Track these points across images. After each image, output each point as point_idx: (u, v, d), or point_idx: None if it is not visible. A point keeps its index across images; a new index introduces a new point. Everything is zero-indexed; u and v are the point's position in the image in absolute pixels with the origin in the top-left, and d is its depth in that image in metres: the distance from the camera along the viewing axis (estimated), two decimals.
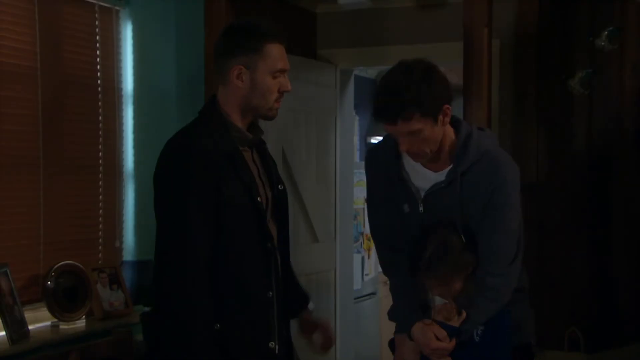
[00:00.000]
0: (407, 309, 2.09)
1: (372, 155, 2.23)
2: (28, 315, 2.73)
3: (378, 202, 2.19)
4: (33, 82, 2.88)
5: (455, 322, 2.01)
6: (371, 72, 6.52)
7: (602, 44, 3.45)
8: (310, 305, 2.25)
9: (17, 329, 2.61)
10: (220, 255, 1.93)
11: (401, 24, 3.99)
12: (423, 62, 1.98)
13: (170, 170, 1.96)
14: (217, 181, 1.92)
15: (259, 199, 1.99)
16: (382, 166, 2.13)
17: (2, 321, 2.57)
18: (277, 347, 2.01)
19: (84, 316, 2.94)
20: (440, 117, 1.97)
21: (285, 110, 3.94)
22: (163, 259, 1.95)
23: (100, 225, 3.19)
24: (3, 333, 2.58)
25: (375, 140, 6.68)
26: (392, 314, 2.17)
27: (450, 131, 2.05)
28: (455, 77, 3.96)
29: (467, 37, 2.94)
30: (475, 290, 2.02)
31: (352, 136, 4.82)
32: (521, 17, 3.73)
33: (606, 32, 3.43)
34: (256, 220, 1.98)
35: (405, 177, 2.08)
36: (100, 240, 3.19)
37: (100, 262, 3.14)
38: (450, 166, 2.03)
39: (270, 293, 2.00)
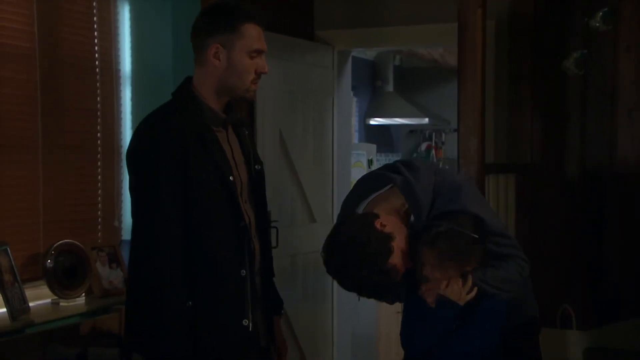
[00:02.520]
0: None
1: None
2: (29, 292, 2.78)
3: None
4: (31, 63, 2.90)
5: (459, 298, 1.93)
6: (370, 54, 6.53)
7: (597, 25, 3.46)
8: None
9: (17, 305, 2.66)
10: (193, 233, 1.96)
11: (398, 5, 3.99)
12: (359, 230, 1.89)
13: (139, 151, 1.99)
14: (186, 161, 1.94)
15: (231, 178, 2.00)
16: None
17: (2, 298, 2.62)
18: (250, 324, 2.03)
19: (83, 294, 2.99)
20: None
21: (282, 91, 3.98)
22: (135, 238, 1.99)
23: (100, 205, 3.23)
24: (4, 310, 2.63)
25: (374, 122, 6.70)
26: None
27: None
28: (451, 58, 3.96)
29: (462, 18, 2.95)
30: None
31: (350, 117, 4.85)
32: None
33: (600, 13, 3.44)
34: (228, 199, 2.00)
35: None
36: (99, 219, 3.23)
37: (99, 241, 3.19)
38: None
39: (244, 271, 2.02)
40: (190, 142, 1.96)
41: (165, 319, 1.91)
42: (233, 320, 2.02)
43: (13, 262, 2.71)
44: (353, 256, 1.84)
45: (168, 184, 1.93)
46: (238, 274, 2.02)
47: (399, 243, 1.87)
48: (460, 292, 1.92)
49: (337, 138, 4.37)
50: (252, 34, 2.03)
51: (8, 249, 2.71)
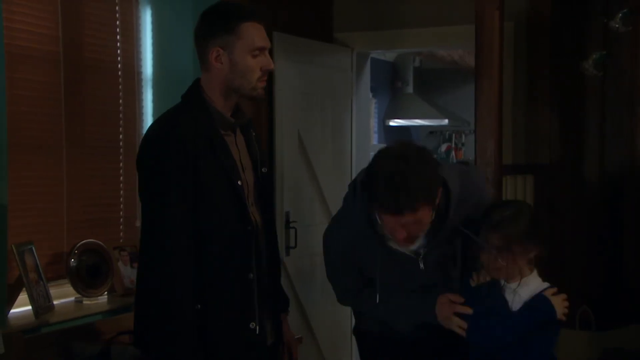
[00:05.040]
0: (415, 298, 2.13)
1: (343, 234, 2.16)
2: (53, 291, 2.83)
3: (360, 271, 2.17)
4: (56, 66, 2.96)
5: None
6: (389, 55, 6.54)
7: (616, 25, 3.45)
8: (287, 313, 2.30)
9: (42, 303, 2.71)
10: (201, 237, 1.96)
11: (416, 7, 4.01)
12: (414, 147, 1.96)
13: (147, 156, 2.00)
14: (195, 165, 1.94)
15: (239, 182, 2.00)
16: (364, 243, 2.09)
17: (28, 296, 2.68)
18: (257, 327, 2.04)
19: (105, 292, 3.04)
20: (436, 200, 1.95)
21: (301, 93, 4.01)
22: (144, 241, 2.00)
23: (121, 205, 3.28)
24: (30, 307, 2.68)
25: (394, 123, 6.71)
26: (407, 316, 2.16)
27: None
28: (471, 59, 3.96)
29: (479, 20, 2.96)
30: None
31: (369, 119, 4.87)
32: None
33: (620, 14, 3.42)
34: (236, 203, 2.00)
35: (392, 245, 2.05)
36: (121, 219, 3.28)
37: (121, 240, 3.24)
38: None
39: (251, 275, 2.02)
40: (199, 147, 1.96)
41: (174, 322, 1.92)
42: (241, 324, 2.03)
43: (38, 261, 2.76)
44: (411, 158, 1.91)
45: (176, 188, 1.93)
46: (246, 278, 2.03)
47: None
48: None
49: (355, 139, 4.39)
50: (251, 33, 2.01)
51: (33, 248, 2.76)
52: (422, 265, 2.08)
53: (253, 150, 2.13)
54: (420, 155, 1.93)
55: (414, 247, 2.05)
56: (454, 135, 7.19)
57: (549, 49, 3.71)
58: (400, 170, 1.88)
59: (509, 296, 2.01)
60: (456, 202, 2.01)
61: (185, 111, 2.04)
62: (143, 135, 2.06)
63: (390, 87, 6.84)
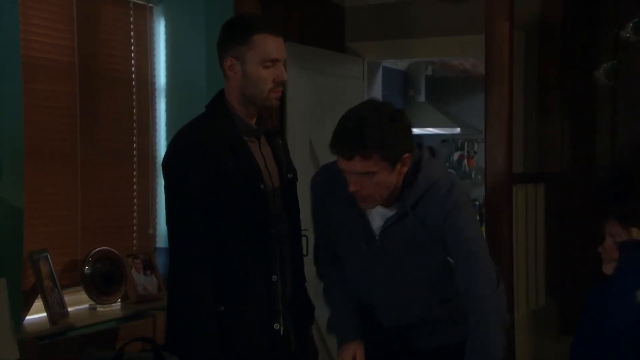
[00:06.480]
0: (349, 326, 2.13)
1: (324, 184, 2.13)
2: (67, 298, 2.87)
3: (329, 229, 2.13)
4: (71, 77, 3.00)
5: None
6: (401, 64, 6.57)
7: (627, 35, 3.46)
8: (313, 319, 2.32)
9: (57, 310, 2.75)
10: (225, 240, 2.02)
11: (427, 17, 4.04)
12: (392, 106, 1.93)
13: (172, 162, 2.07)
14: (217, 169, 2.00)
15: (261, 186, 2.06)
16: (337, 199, 2.04)
17: (43, 303, 2.71)
18: (282, 328, 2.09)
19: (119, 300, 3.07)
20: (399, 165, 1.90)
21: (313, 102, 4.04)
22: (170, 244, 2.08)
23: (135, 214, 3.31)
24: (45, 314, 2.72)
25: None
26: (333, 327, 2.19)
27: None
28: (483, 67, 3.97)
29: (488, 30, 2.98)
30: (477, 323, 1.94)
31: None
32: (546, 9, 3.75)
33: (631, 24, 3.43)
34: (259, 207, 2.05)
35: (363, 213, 2.01)
36: (134, 227, 3.31)
37: (134, 248, 3.27)
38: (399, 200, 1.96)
39: (275, 277, 2.08)
40: (222, 152, 2.02)
41: (196, 323, 1.98)
42: (265, 324, 2.08)
43: (53, 268, 2.80)
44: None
45: (199, 194, 2.00)
46: (269, 280, 2.08)
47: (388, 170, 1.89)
48: None
49: None
50: (263, 44, 2.05)
51: (48, 255, 2.80)
52: (378, 244, 2.01)
53: (279, 157, 2.19)
54: (394, 114, 1.90)
55: (372, 208, 1.98)
56: (466, 143, 7.19)
57: (560, 57, 3.72)
58: (362, 116, 1.87)
59: None
60: (425, 187, 1.93)
61: (209, 118, 2.12)
62: (167, 143, 2.15)
63: (403, 96, 6.85)
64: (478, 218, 2.16)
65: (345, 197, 1.98)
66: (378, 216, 2.01)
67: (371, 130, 1.83)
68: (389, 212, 1.99)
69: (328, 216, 2.13)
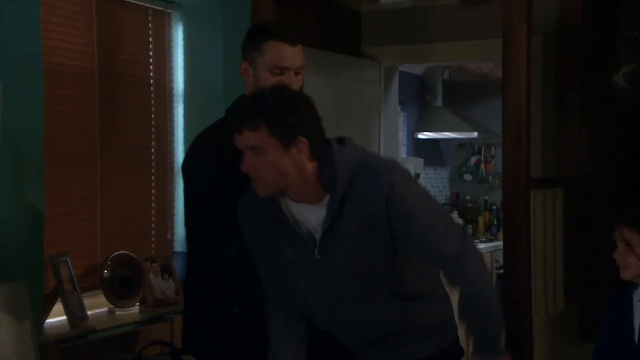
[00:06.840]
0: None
1: (244, 207, 1.96)
2: (87, 301, 2.90)
3: (262, 254, 1.95)
4: (91, 82, 3.05)
5: None
6: (418, 69, 6.56)
7: None
8: None
9: (77, 313, 2.78)
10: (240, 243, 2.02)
11: (444, 22, 4.03)
12: (301, 93, 1.89)
13: (191, 165, 2.11)
14: (236, 174, 1.94)
15: None
16: (257, 214, 1.91)
17: (63, 306, 2.75)
18: None
19: (137, 303, 3.10)
20: (294, 149, 1.78)
21: (329, 106, 4.04)
22: (187, 245, 2.12)
23: (153, 218, 3.35)
24: (64, 317, 2.75)
25: (423, 136, 6.72)
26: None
27: (313, 166, 1.82)
28: (501, 71, 3.94)
29: (506, 35, 2.96)
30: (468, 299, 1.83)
31: (397, 132, 4.89)
32: (564, 12, 3.72)
33: None
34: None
35: (289, 219, 1.85)
36: (152, 232, 3.35)
37: (152, 252, 3.31)
38: (327, 196, 1.82)
39: None
40: (236, 152, 2.04)
41: (211, 325, 2.00)
42: None
43: (72, 272, 2.83)
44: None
45: (218, 196, 2.02)
46: None
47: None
48: None
49: (383, 152, 4.41)
50: (273, 52, 2.05)
51: (68, 259, 2.83)
52: (319, 256, 1.84)
53: None
54: (298, 98, 1.83)
55: (315, 220, 1.83)
56: (483, 148, 7.16)
57: (579, 61, 3.69)
58: (259, 93, 1.84)
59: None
60: (347, 175, 1.79)
61: (228, 123, 2.12)
62: (186, 147, 2.18)
63: (419, 100, 6.84)
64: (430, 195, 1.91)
65: (271, 215, 1.88)
66: (312, 217, 1.85)
67: (261, 103, 1.80)
68: (321, 211, 1.84)
69: (259, 244, 1.97)
